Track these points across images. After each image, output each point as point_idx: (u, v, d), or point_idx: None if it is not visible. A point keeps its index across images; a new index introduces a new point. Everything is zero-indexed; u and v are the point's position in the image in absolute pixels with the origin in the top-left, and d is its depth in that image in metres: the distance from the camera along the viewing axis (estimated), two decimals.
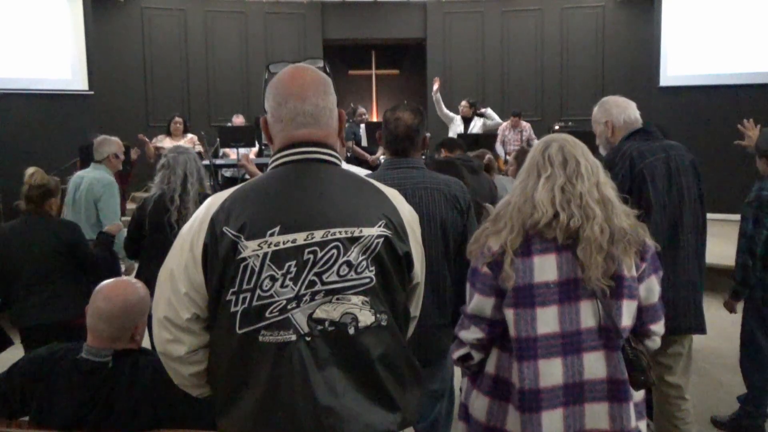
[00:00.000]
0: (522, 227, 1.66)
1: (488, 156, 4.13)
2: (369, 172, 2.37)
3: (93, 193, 3.74)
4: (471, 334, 1.74)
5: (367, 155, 7.27)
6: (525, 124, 8.50)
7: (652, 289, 1.73)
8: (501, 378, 1.72)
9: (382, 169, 2.26)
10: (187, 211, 3.05)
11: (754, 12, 8.27)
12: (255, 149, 7.63)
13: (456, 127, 7.86)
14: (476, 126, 7.88)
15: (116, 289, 1.89)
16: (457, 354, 1.79)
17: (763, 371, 3.24)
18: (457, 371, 2.30)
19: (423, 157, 2.40)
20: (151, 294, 1.64)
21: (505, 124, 8.52)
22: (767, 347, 3.24)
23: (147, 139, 7.12)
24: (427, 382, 1.98)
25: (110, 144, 3.93)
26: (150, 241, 3.12)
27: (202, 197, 3.09)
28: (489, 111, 8.11)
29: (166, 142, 6.85)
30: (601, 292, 1.63)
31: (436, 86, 8.01)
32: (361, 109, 8.55)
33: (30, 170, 3.11)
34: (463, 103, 8.01)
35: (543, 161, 1.73)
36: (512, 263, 1.63)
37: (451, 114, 8.00)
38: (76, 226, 3.19)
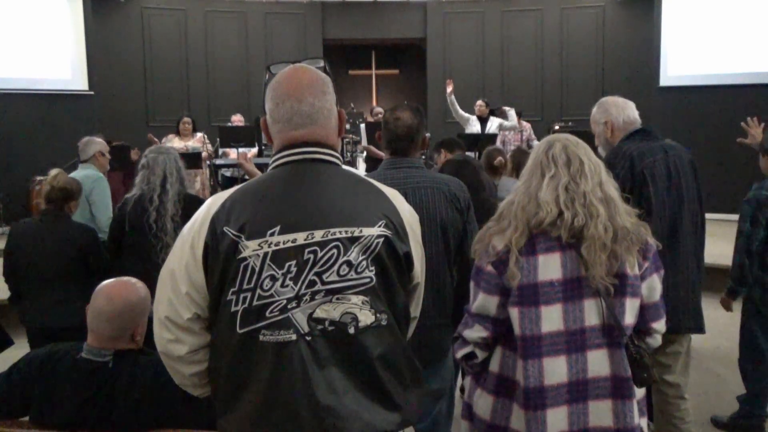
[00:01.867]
0: (526, 226, 1.67)
1: (499, 158, 4.11)
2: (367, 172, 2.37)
3: (84, 189, 3.77)
4: (475, 332, 1.74)
5: (381, 154, 7.21)
6: (525, 124, 8.49)
7: (654, 287, 1.74)
8: (505, 376, 1.73)
9: (382, 168, 2.26)
10: (165, 211, 3.04)
11: (754, 12, 8.27)
12: (255, 150, 7.62)
13: (472, 128, 7.69)
14: (493, 126, 7.74)
15: (117, 289, 1.89)
16: (460, 353, 1.80)
17: (762, 371, 3.24)
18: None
19: (423, 157, 2.40)
20: None
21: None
22: (766, 347, 3.24)
23: (156, 140, 7.12)
24: (428, 382, 1.98)
25: (95, 143, 3.98)
26: (129, 240, 3.11)
27: (182, 198, 3.10)
28: (512, 112, 7.97)
29: (175, 142, 6.83)
30: (605, 291, 1.64)
31: (450, 88, 7.86)
32: (378, 109, 8.40)
33: (53, 171, 3.14)
34: (479, 102, 7.88)
35: (547, 161, 1.74)
36: (517, 262, 1.64)
37: (467, 114, 7.87)
38: (92, 230, 3.21)
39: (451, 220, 2.16)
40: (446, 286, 2.17)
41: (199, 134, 7.16)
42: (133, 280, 1.98)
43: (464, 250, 2.18)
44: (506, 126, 7.82)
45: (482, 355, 1.77)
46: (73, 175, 3.94)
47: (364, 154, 7.23)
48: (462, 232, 2.19)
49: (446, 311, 2.18)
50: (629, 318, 1.67)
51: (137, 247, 3.06)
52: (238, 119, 8.40)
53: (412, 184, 2.14)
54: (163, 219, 3.03)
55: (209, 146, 7.17)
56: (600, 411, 1.66)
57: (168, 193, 3.08)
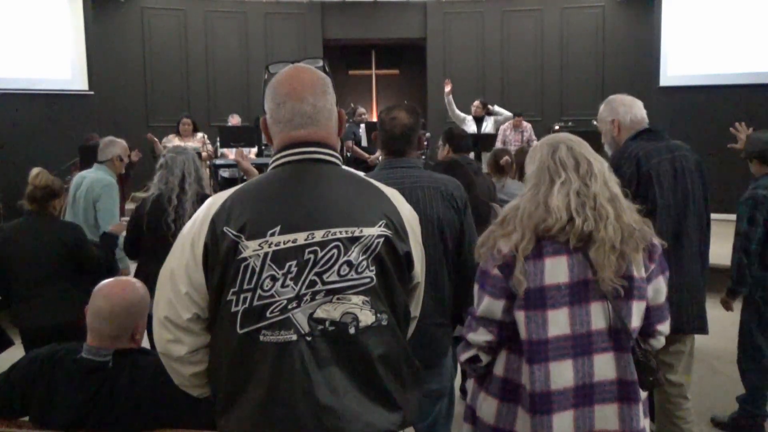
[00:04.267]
0: (533, 233, 1.64)
1: (506, 158, 4.09)
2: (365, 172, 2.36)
3: (93, 194, 3.72)
4: (480, 336, 1.72)
5: (365, 155, 7.26)
6: (526, 125, 8.51)
7: (659, 289, 1.73)
8: (510, 380, 1.71)
9: (379, 169, 2.25)
10: (184, 211, 3.04)
11: (754, 12, 8.26)
12: (254, 150, 7.62)
13: (467, 128, 7.75)
14: (488, 126, 7.85)
15: (116, 288, 1.88)
16: (464, 356, 1.78)
17: (761, 370, 3.23)
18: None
19: (423, 156, 2.40)
20: (151, 293, 1.65)
21: (506, 124, 8.52)
22: (765, 346, 3.24)
23: (156, 139, 7.12)
24: (427, 382, 1.97)
25: (116, 146, 3.89)
26: (147, 241, 3.11)
27: (200, 198, 3.09)
28: (496, 107, 8.10)
29: (175, 142, 6.83)
30: (613, 293, 1.62)
31: (448, 88, 7.92)
32: (361, 109, 8.53)
33: (35, 171, 3.11)
34: (476, 103, 7.98)
35: (555, 165, 1.70)
36: (523, 268, 1.62)
37: (463, 114, 7.95)
38: (78, 227, 3.19)
39: (449, 220, 2.15)
40: (445, 285, 2.16)
41: (200, 134, 7.16)
42: (132, 279, 1.98)
43: (462, 250, 2.18)
44: (500, 121, 7.90)
45: (486, 359, 1.75)
46: (84, 173, 3.90)
47: (349, 154, 7.26)
48: (459, 232, 2.18)
49: (446, 311, 2.18)
50: (635, 321, 1.66)
51: (155, 247, 3.03)
52: (235, 120, 8.39)
53: (409, 184, 2.12)
54: (182, 219, 3.01)
55: (209, 147, 7.17)
56: (606, 415, 1.64)
57: (187, 193, 3.09)
